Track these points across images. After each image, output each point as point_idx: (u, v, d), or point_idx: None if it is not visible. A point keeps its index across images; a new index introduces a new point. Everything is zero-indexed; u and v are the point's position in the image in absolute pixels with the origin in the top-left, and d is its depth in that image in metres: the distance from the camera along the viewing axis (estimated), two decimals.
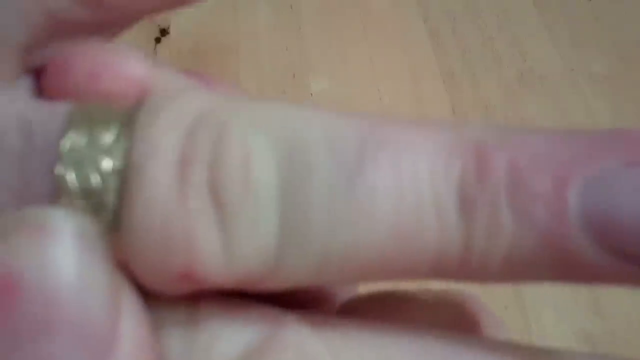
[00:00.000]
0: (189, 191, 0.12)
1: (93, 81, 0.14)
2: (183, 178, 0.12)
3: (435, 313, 0.15)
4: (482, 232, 0.12)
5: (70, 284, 0.11)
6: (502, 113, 0.53)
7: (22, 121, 0.13)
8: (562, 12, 0.59)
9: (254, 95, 0.50)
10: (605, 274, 0.12)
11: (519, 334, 0.41)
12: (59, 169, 0.12)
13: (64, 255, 0.11)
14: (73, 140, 0.12)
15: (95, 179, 0.12)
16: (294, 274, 0.12)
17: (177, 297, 0.13)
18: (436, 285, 0.15)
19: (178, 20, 0.58)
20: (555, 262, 0.11)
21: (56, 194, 0.12)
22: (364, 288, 0.16)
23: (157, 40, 0.57)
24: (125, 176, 0.12)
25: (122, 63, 0.14)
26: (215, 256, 0.12)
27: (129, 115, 0.12)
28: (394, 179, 0.12)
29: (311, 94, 0.54)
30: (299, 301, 0.15)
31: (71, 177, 0.12)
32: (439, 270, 0.12)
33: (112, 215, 0.12)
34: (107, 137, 0.12)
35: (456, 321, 0.15)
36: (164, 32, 0.57)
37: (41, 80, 0.14)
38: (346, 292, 0.17)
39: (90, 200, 0.12)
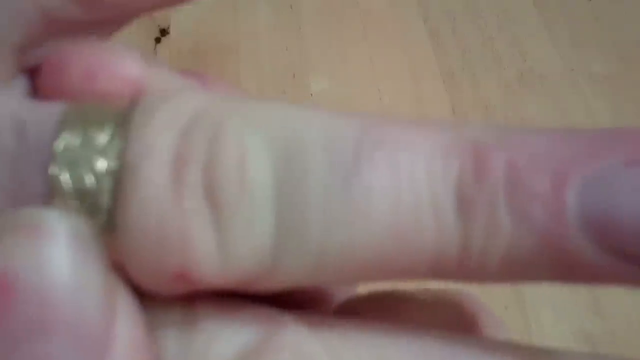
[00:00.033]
0: (184, 191, 0.12)
1: (88, 81, 0.14)
2: (178, 178, 0.12)
3: (434, 313, 0.15)
4: (480, 233, 0.12)
5: (65, 285, 0.11)
6: (502, 113, 0.53)
7: (16, 121, 0.13)
8: (562, 12, 0.59)
9: (254, 95, 0.50)
10: (604, 274, 0.11)
11: (519, 334, 0.41)
12: (52, 170, 0.12)
13: (59, 255, 0.11)
14: (67, 140, 0.12)
15: (89, 180, 0.12)
16: (290, 274, 0.12)
17: (173, 297, 0.13)
18: (434, 285, 0.15)
19: (178, 20, 0.58)
20: (554, 262, 0.11)
21: (50, 194, 0.12)
22: (362, 288, 0.16)
23: (157, 40, 0.57)
24: (119, 177, 0.12)
25: (118, 63, 0.14)
26: (210, 256, 0.12)
27: (123, 115, 0.12)
28: (391, 179, 0.12)
29: (311, 94, 0.54)
30: (296, 301, 0.15)
31: (65, 178, 0.12)
32: (437, 271, 0.12)
33: (106, 215, 0.12)
34: (102, 138, 0.12)
35: (455, 321, 0.15)
36: (164, 32, 0.57)
37: (36, 80, 0.14)
38: (344, 292, 0.17)
39: (85, 201, 0.12)
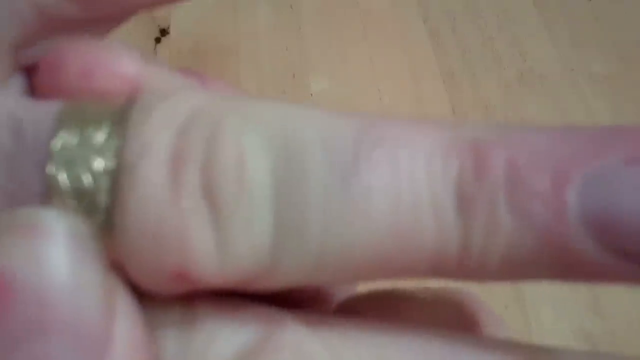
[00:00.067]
0: (182, 190, 0.11)
1: (85, 79, 0.14)
2: (176, 177, 0.12)
3: (434, 312, 0.15)
4: (481, 231, 0.11)
5: (64, 284, 0.11)
6: (502, 113, 0.53)
7: (13, 120, 0.12)
8: (562, 12, 0.59)
9: (254, 95, 0.50)
10: (605, 272, 0.11)
11: (519, 332, 0.41)
12: (50, 169, 0.12)
13: (57, 255, 0.11)
14: (64, 139, 0.12)
15: (87, 179, 0.12)
16: (289, 274, 0.12)
17: (172, 297, 0.13)
18: (434, 284, 0.15)
19: (178, 20, 0.58)
20: (554, 260, 0.11)
21: (48, 193, 0.12)
22: (362, 287, 0.16)
23: (157, 40, 0.57)
24: (117, 176, 0.12)
25: (115, 61, 0.14)
26: (209, 256, 0.12)
27: (121, 113, 0.12)
28: (391, 178, 0.12)
29: (311, 94, 0.54)
30: (296, 301, 0.15)
31: (62, 177, 0.12)
32: (437, 269, 0.12)
33: (104, 215, 0.12)
34: (99, 136, 0.12)
35: (455, 320, 0.15)
36: (163, 32, 0.57)
37: (33, 78, 0.14)
38: (344, 292, 0.17)
39: (82, 200, 0.12)
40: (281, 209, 0.12)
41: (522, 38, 0.58)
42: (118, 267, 0.12)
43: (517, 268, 0.12)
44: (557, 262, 0.11)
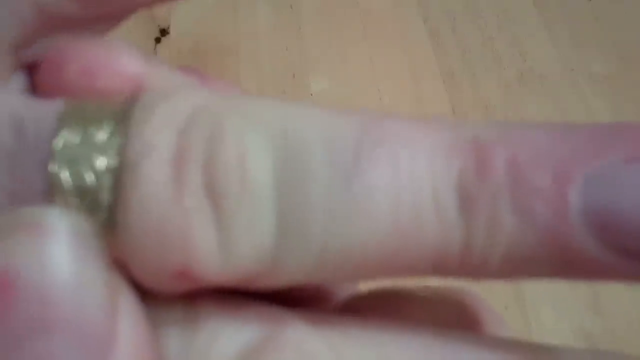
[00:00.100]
0: (185, 189, 0.11)
1: (87, 78, 0.14)
2: (178, 176, 0.12)
3: (436, 311, 0.15)
4: (483, 230, 0.11)
5: (67, 283, 0.11)
6: (502, 113, 0.53)
7: (15, 118, 0.12)
8: (562, 12, 0.59)
9: (254, 95, 0.50)
10: (606, 270, 0.11)
11: (519, 332, 0.41)
12: (52, 167, 0.12)
13: (60, 253, 0.11)
14: (66, 138, 0.12)
15: (89, 178, 0.12)
16: (291, 273, 0.12)
17: (175, 295, 0.13)
18: (434, 283, 0.15)
19: (178, 20, 0.58)
20: (556, 258, 0.11)
21: (50, 192, 0.12)
22: (364, 286, 0.16)
23: (157, 40, 0.57)
24: (119, 174, 0.12)
25: (116, 59, 0.14)
26: (211, 255, 0.12)
27: (123, 112, 0.12)
28: (392, 177, 0.12)
29: (311, 94, 0.54)
30: (297, 299, 0.15)
31: (65, 176, 0.12)
32: (439, 268, 0.12)
33: (107, 213, 0.12)
34: (101, 135, 0.12)
35: (457, 319, 0.15)
36: (163, 32, 0.57)
37: (34, 76, 0.14)
38: (345, 290, 0.17)
39: (85, 199, 0.12)
40: (283, 208, 0.12)
41: (522, 38, 0.58)
42: (121, 266, 0.12)
43: (518, 266, 0.12)
44: (559, 260, 0.11)
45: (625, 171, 0.11)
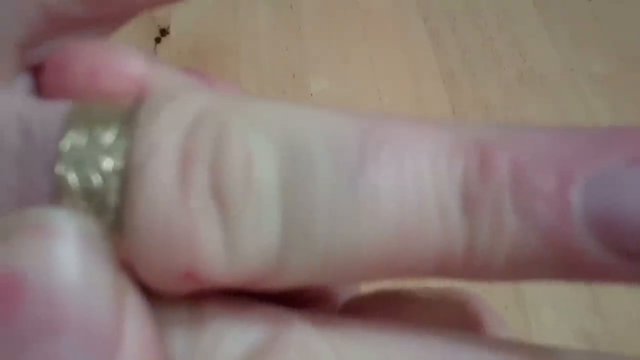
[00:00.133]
0: (191, 191, 0.12)
1: (92, 79, 0.14)
2: (184, 177, 0.12)
3: (438, 312, 0.15)
4: (486, 231, 0.12)
5: (74, 284, 0.11)
6: (502, 113, 0.53)
7: (22, 120, 0.12)
8: (562, 12, 0.59)
9: (254, 95, 0.50)
10: (608, 272, 0.11)
11: (519, 333, 0.41)
12: (59, 169, 0.12)
13: (68, 255, 0.11)
14: (73, 140, 0.12)
15: (96, 179, 0.12)
16: (296, 274, 0.12)
17: (180, 296, 0.13)
18: (434, 284, 0.15)
19: (178, 20, 0.58)
20: (558, 260, 0.11)
21: (57, 194, 0.12)
22: (366, 287, 0.16)
23: (157, 40, 0.57)
24: (126, 176, 0.12)
25: (122, 61, 0.14)
26: (217, 256, 0.12)
27: (129, 114, 0.12)
28: (397, 178, 0.12)
29: (311, 94, 0.54)
30: (301, 300, 0.15)
31: (72, 178, 0.12)
32: (442, 269, 0.12)
33: (114, 215, 0.12)
34: (108, 137, 0.12)
35: (458, 319, 0.15)
36: (163, 32, 0.57)
37: (40, 78, 0.14)
38: (348, 292, 0.17)
39: (92, 201, 0.12)
40: (288, 208, 0.12)
41: (522, 38, 0.58)
42: (127, 267, 0.12)
43: (521, 268, 0.12)
44: (561, 262, 0.12)
45: (626, 173, 0.11)
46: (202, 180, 0.12)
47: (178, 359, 0.12)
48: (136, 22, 0.16)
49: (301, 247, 0.12)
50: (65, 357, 0.10)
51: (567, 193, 0.11)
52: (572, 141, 0.12)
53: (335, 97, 0.54)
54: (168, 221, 0.11)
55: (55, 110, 0.13)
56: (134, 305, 0.11)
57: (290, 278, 0.12)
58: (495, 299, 0.15)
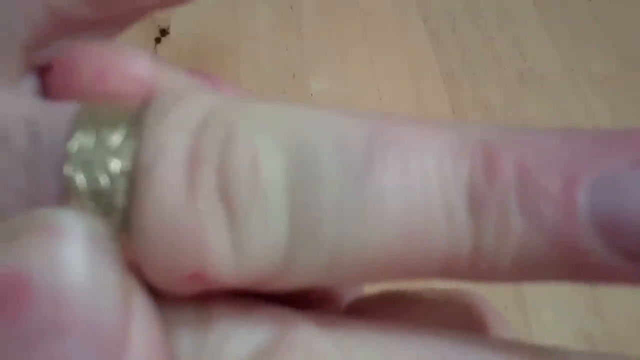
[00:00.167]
0: (198, 192, 0.12)
1: (99, 81, 0.14)
2: (192, 179, 0.12)
3: (441, 312, 0.15)
4: (492, 232, 0.12)
5: (81, 285, 0.11)
6: (502, 113, 0.53)
7: (29, 122, 0.12)
8: (562, 12, 0.59)
9: (254, 95, 0.50)
10: (613, 273, 0.12)
11: (519, 334, 0.41)
12: (67, 170, 0.12)
13: (75, 256, 0.11)
14: (81, 141, 0.12)
15: (104, 181, 0.12)
16: (303, 274, 0.12)
17: (187, 297, 0.13)
18: (438, 285, 0.15)
19: (178, 20, 0.58)
20: (564, 261, 0.12)
21: (65, 195, 0.12)
22: (370, 288, 0.16)
23: (157, 40, 0.57)
24: (133, 177, 0.12)
25: (128, 63, 0.14)
26: (225, 257, 0.12)
27: (136, 115, 0.12)
28: (403, 178, 0.12)
29: (311, 94, 0.54)
30: (305, 301, 0.15)
31: (80, 179, 0.12)
32: (448, 271, 0.12)
33: (121, 216, 0.12)
34: (115, 138, 0.12)
35: (463, 321, 0.15)
36: (163, 32, 0.57)
37: (46, 79, 0.14)
38: (352, 292, 0.17)
39: (100, 202, 0.12)
40: (295, 209, 0.12)
41: (522, 38, 0.58)
42: (134, 268, 0.12)
43: (527, 269, 0.12)
44: (567, 263, 0.12)
45: (630, 175, 0.11)
46: (210, 181, 0.12)
47: (184, 359, 0.12)
48: (136, 22, 0.16)
49: (308, 247, 0.12)
50: (71, 358, 0.10)
51: (573, 193, 0.11)
52: (577, 143, 0.12)
53: (335, 97, 0.54)
54: (175, 222, 0.11)
55: (62, 111, 0.13)
56: (140, 305, 0.11)
57: (297, 279, 0.12)
58: (495, 300, 0.15)
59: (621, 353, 0.38)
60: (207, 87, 0.16)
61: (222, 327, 0.12)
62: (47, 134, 0.12)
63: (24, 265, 0.10)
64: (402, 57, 0.57)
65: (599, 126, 0.51)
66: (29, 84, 0.14)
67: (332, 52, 0.57)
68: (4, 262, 0.10)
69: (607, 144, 0.12)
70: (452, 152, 0.12)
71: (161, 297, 0.12)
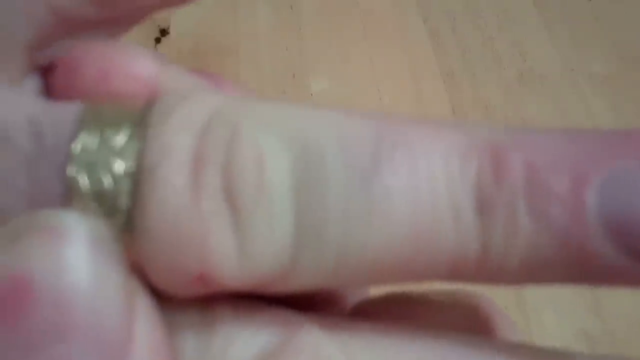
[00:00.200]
0: (203, 192, 0.11)
1: (102, 81, 0.14)
2: (196, 179, 0.11)
3: (448, 314, 0.15)
4: (500, 233, 0.11)
5: (84, 287, 0.10)
6: (502, 113, 0.53)
7: (32, 122, 0.12)
8: (562, 12, 0.59)
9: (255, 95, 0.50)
10: (621, 274, 0.11)
11: (520, 334, 0.41)
12: (70, 171, 0.12)
13: (78, 257, 0.11)
14: (84, 141, 0.12)
15: (107, 182, 0.12)
16: (309, 276, 0.12)
17: (191, 299, 0.12)
18: (444, 287, 0.15)
19: (178, 20, 0.58)
20: (572, 262, 0.11)
21: (68, 196, 0.12)
22: (375, 290, 0.16)
23: (157, 40, 0.57)
24: (138, 178, 0.12)
25: (131, 62, 0.14)
26: (229, 258, 0.12)
27: (140, 115, 0.12)
28: (410, 179, 0.12)
29: (311, 94, 0.54)
30: (310, 304, 0.15)
31: (83, 180, 0.12)
32: (455, 272, 0.12)
33: (125, 217, 0.12)
34: (119, 139, 0.12)
35: (469, 322, 0.15)
36: (163, 32, 0.57)
37: (49, 79, 0.14)
38: (357, 294, 0.16)
39: (103, 203, 0.12)
40: (301, 210, 0.12)
41: (522, 38, 0.58)
42: (138, 270, 0.12)
43: (535, 270, 0.12)
44: (575, 264, 0.11)
45: (636, 176, 0.11)
46: (214, 182, 0.11)
47: None
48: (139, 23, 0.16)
49: (313, 248, 0.12)
50: None
51: (581, 194, 0.11)
52: (584, 143, 0.12)
53: (335, 97, 0.54)
54: (179, 223, 0.11)
55: (66, 111, 0.13)
56: (144, 308, 0.11)
57: (302, 280, 0.12)
58: (496, 301, 0.15)
59: (622, 354, 0.38)
60: (210, 87, 0.16)
61: (226, 329, 0.12)
62: (50, 134, 0.12)
63: (26, 267, 0.10)
64: (402, 57, 0.57)
65: (599, 126, 0.51)
66: (32, 83, 0.14)
67: (332, 52, 0.57)
68: (6, 263, 0.10)
69: (614, 144, 0.12)
70: (460, 153, 0.12)
71: (165, 300, 0.12)
